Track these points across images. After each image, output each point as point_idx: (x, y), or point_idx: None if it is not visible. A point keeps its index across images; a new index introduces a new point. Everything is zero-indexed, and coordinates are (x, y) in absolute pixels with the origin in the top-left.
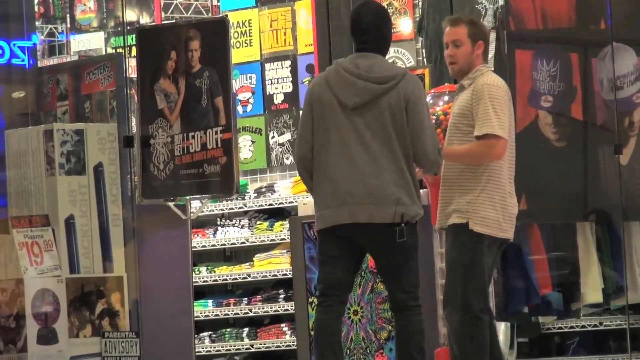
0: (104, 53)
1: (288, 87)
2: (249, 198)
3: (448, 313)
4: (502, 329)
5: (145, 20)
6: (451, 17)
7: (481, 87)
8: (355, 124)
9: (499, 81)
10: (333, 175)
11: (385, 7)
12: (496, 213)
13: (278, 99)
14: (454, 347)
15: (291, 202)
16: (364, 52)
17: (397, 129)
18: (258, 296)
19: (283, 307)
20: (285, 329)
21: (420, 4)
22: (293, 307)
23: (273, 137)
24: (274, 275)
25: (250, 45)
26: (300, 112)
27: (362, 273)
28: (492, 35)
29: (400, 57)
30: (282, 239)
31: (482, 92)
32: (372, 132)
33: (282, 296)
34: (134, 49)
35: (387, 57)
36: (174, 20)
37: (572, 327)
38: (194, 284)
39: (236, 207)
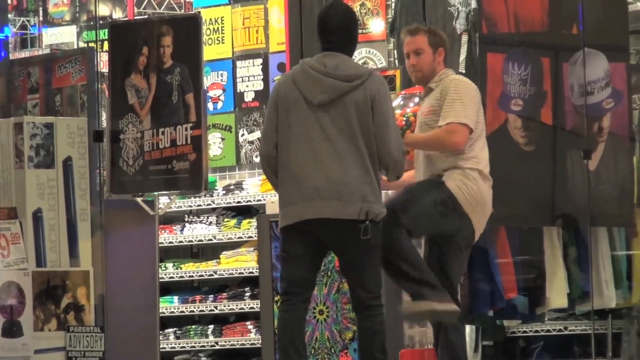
0: (75, 47)
1: (259, 85)
2: (218, 195)
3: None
4: (467, 331)
5: (117, 15)
6: (409, 28)
7: (449, 82)
8: (320, 121)
9: (466, 79)
10: (298, 171)
11: (358, 7)
12: (474, 185)
13: (249, 96)
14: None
15: (259, 200)
16: (330, 52)
17: (362, 127)
18: (224, 293)
19: (249, 305)
20: (250, 327)
21: (393, 5)
22: (259, 305)
23: (243, 135)
24: (240, 273)
25: (222, 43)
26: None
27: (329, 273)
28: (464, 38)
29: (372, 57)
30: (249, 237)
31: (449, 86)
32: (338, 129)
33: (248, 294)
34: (105, 43)
35: (359, 57)
36: (146, 16)
37: (537, 331)
38: (160, 280)
39: (204, 204)
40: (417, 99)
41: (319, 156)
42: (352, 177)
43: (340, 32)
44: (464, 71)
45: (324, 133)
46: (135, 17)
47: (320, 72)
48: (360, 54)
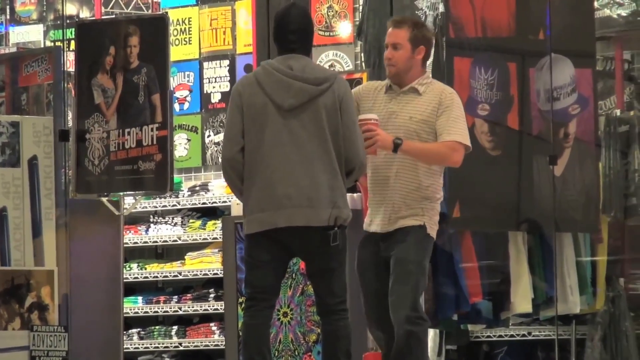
0: (42, 46)
1: (226, 87)
2: (183, 196)
3: (398, 312)
4: (431, 335)
5: (85, 14)
6: (395, 18)
7: (450, 96)
8: (290, 126)
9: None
10: (269, 177)
11: (325, 10)
12: (437, 219)
13: (215, 98)
14: (402, 346)
15: (224, 202)
16: (292, 54)
17: (332, 131)
18: (188, 295)
19: (213, 306)
20: (214, 328)
21: (361, 8)
22: (223, 307)
23: (209, 136)
24: (204, 274)
25: (190, 44)
26: None
27: (293, 275)
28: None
29: (339, 60)
30: (214, 238)
31: (453, 100)
32: (308, 133)
33: (212, 295)
34: (72, 42)
35: (325, 60)
36: (113, 16)
37: (500, 336)
38: (125, 281)
39: (169, 205)
40: (375, 84)
41: (290, 162)
42: (322, 183)
43: (301, 34)
44: (430, 75)
45: (294, 138)
46: (103, 17)
47: (288, 75)
48: (327, 57)
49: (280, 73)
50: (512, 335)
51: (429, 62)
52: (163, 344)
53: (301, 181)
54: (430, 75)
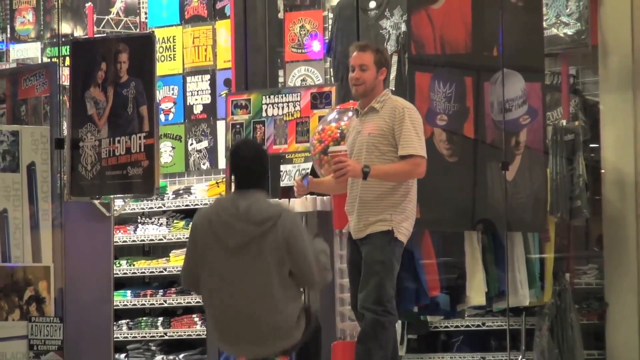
0: (40, 62)
1: (207, 99)
2: (168, 199)
3: (366, 305)
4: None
5: (78, 33)
6: (359, 44)
7: (402, 110)
8: (236, 265)
9: (413, 106)
10: (218, 316)
11: (298, 29)
12: (409, 224)
13: (197, 109)
14: (365, 334)
15: (206, 204)
16: (244, 190)
17: (278, 268)
18: (173, 288)
19: (195, 299)
20: (196, 319)
21: (330, 27)
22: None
23: (192, 144)
24: None
25: (174, 60)
26: (217, 122)
27: None
28: (395, 58)
29: (310, 75)
30: None
31: (404, 115)
32: (253, 273)
33: None
34: (67, 59)
35: (298, 75)
36: (105, 34)
37: (457, 326)
38: (115, 276)
39: (156, 207)
40: (350, 113)
41: (237, 301)
42: (266, 322)
43: (252, 170)
44: (394, 89)
45: (239, 278)
46: (95, 35)
47: (233, 215)
48: (299, 72)
49: (227, 213)
50: (467, 326)
51: (392, 77)
52: (150, 333)
53: (249, 319)
54: (390, 92)
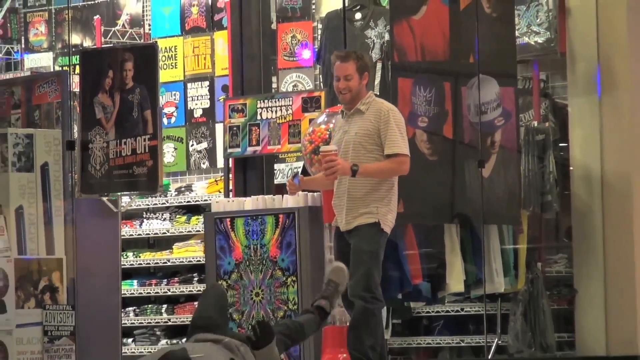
0: (52, 70)
1: (206, 104)
2: (171, 195)
3: (355, 292)
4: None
5: (87, 43)
6: (341, 54)
7: (386, 112)
8: None
9: (396, 108)
10: None
11: (290, 39)
12: (392, 216)
13: (197, 113)
14: (357, 320)
15: (206, 200)
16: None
17: None
18: (176, 278)
19: (196, 288)
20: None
21: (319, 37)
22: (204, 288)
23: (192, 145)
24: (189, 261)
25: (175, 68)
26: (216, 125)
27: (264, 262)
28: (379, 65)
29: (301, 80)
30: (197, 231)
31: (389, 117)
32: None
33: (196, 279)
34: (77, 67)
35: (290, 81)
36: (111, 45)
37: (438, 311)
38: (122, 267)
39: (159, 203)
40: (338, 116)
41: None
42: None
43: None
44: (378, 93)
45: None
46: (102, 46)
47: None
48: (291, 78)
49: None
50: (447, 311)
51: (377, 82)
52: (155, 319)
53: None
54: (374, 95)
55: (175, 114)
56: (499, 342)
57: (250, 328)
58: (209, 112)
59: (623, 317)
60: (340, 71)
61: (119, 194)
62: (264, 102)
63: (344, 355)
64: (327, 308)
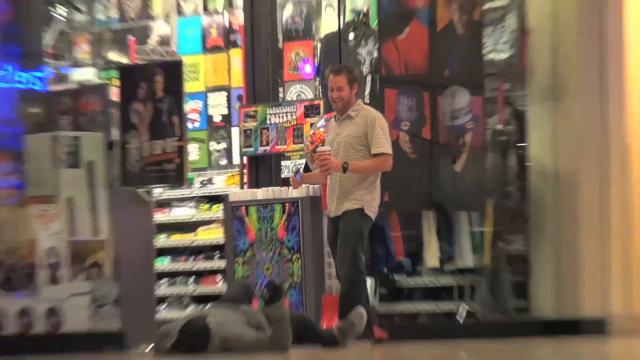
0: (95, 83)
1: (224, 111)
2: (195, 187)
3: (343, 267)
4: (369, 283)
5: (124, 60)
6: (333, 68)
7: (373, 118)
8: None
9: (380, 114)
10: None
11: (294, 55)
12: (376, 204)
13: (217, 118)
14: (345, 290)
15: (225, 191)
16: None
17: None
18: (200, 256)
19: (217, 264)
20: (218, 279)
21: (319, 54)
22: (224, 264)
23: (212, 145)
24: (211, 242)
25: (198, 80)
26: (232, 128)
27: (273, 241)
28: (369, 78)
29: (303, 91)
30: (217, 217)
31: (375, 122)
32: None
33: (217, 256)
34: (116, 80)
35: (294, 91)
36: (144, 61)
37: (417, 283)
38: (156, 246)
39: (186, 194)
40: (331, 120)
41: None
42: None
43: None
44: (368, 101)
45: None
46: (137, 62)
47: None
48: (295, 89)
49: None
50: (425, 283)
51: (367, 92)
52: (183, 290)
53: None
54: (362, 102)
55: (198, 119)
56: (468, 308)
57: (263, 291)
58: (226, 118)
59: (569, 286)
60: (333, 83)
61: (151, 186)
62: (272, 109)
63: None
64: (337, 336)
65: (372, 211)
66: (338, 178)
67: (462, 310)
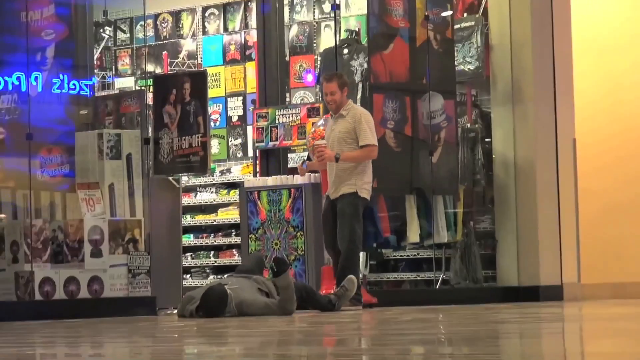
0: (133, 89)
1: (240, 112)
2: (216, 175)
3: (342, 242)
4: (361, 256)
5: (158, 70)
6: (326, 76)
7: (359, 115)
8: None
9: (366, 110)
10: None
11: (298, 67)
12: (368, 186)
13: (234, 118)
14: (342, 264)
15: (240, 179)
16: None
17: None
18: (220, 233)
19: (234, 239)
20: (235, 252)
21: (319, 65)
22: (240, 240)
23: (231, 141)
24: (229, 221)
25: (219, 87)
26: (247, 127)
27: (280, 221)
28: (360, 85)
29: (306, 96)
30: (234, 200)
31: (361, 118)
32: None
33: (233, 233)
34: (151, 87)
35: (298, 96)
36: (175, 71)
37: (401, 255)
38: (182, 225)
39: (209, 181)
40: (330, 119)
41: None
42: None
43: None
44: (355, 103)
45: None
46: (168, 72)
47: None
48: (299, 95)
49: None
50: (408, 255)
51: (359, 97)
52: (205, 262)
53: None
54: (352, 102)
55: (219, 119)
56: (444, 276)
57: (271, 264)
58: (242, 118)
59: (529, 259)
60: (327, 89)
61: (180, 175)
62: (280, 111)
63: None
64: (334, 301)
65: (366, 193)
66: (334, 166)
67: (439, 278)
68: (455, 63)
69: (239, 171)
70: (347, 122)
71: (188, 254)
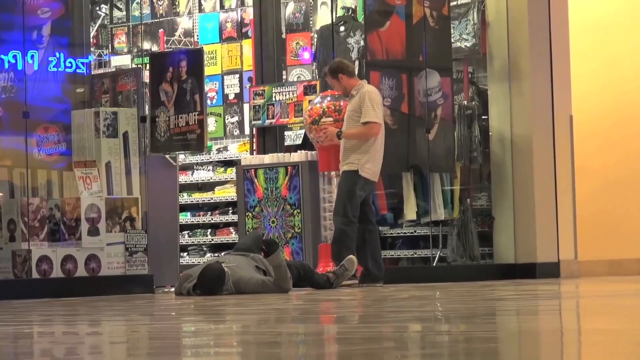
0: (130, 67)
1: (237, 90)
2: (213, 153)
3: (335, 218)
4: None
5: (154, 48)
6: (326, 70)
7: (364, 94)
8: None
9: (375, 89)
10: None
11: (294, 44)
12: (372, 166)
13: (231, 96)
14: (336, 236)
15: (237, 157)
16: None
17: None
18: (217, 211)
19: (231, 217)
20: (232, 230)
21: (315, 43)
22: (237, 218)
23: (227, 119)
24: (226, 199)
25: (215, 65)
26: (244, 104)
27: (277, 199)
28: (357, 63)
29: (302, 74)
30: (231, 178)
31: (365, 96)
32: None
33: (230, 211)
34: (147, 65)
35: (295, 74)
36: (171, 49)
37: (398, 233)
38: (179, 203)
39: (205, 159)
40: (329, 98)
41: None
42: None
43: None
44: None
45: None
46: (165, 49)
47: None
48: (296, 72)
49: None
50: (405, 233)
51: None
52: (202, 240)
53: None
54: (365, 82)
55: (215, 97)
56: (441, 254)
57: (261, 245)
58: (239, 96)
59: (525, 236)
60: (328, 81)
61: (176, 152)
62: (277, 88)
63: (332, 264)
64: (332, 280)
65: (368, 173)
66: (342, 143)
67: (436, 256)
68: (452, 40)
69: (236, 149)
70: (355, 102)
71: (185, 232)
